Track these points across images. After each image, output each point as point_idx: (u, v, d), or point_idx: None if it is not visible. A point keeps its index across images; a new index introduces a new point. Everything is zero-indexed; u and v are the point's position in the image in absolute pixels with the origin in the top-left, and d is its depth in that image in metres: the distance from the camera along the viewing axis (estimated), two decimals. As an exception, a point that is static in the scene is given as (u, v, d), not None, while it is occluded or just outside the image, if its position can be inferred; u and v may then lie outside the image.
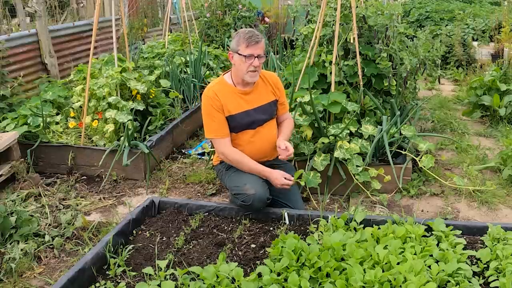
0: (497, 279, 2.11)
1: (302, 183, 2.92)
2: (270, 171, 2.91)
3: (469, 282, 2.10)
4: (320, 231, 2.57)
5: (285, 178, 2.87)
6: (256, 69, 2.87)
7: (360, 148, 3.47)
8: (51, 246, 2.92)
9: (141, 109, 4.22)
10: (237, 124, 2.95)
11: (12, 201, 3.35)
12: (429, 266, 2.17)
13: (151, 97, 4.52)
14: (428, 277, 2.07)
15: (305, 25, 4.28)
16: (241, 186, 2.85)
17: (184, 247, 2.58)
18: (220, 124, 2.92)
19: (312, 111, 3.49)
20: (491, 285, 2.11)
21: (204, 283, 2.10)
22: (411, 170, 3.66)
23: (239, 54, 2.83)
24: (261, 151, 3.07)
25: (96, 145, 4.00)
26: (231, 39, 3.05)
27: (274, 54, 6.11)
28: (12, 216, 2.99)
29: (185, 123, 4.73)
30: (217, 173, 3.24)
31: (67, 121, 4.29)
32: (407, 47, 4.12)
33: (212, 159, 3.94)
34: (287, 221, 2.81)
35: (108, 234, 2.58)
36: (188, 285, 2.12)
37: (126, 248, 2.54)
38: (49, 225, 3.12)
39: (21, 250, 2.79)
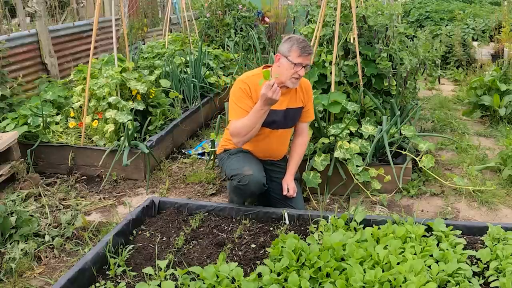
0: (497, 279, 2.12)
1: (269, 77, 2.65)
2: (260, 102, 2.71)
3: (469, 282, 2.10)
4: (320, 231, 2.57)
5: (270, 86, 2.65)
6: (299, 77, 2.88)
7: (360, 148, 3.47)
8: (51, 246, 2.91)
9: (141, 109, 4.22)
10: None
11: (12, 201, 3.34)
12: (429, 266, 2.17)
13: (151, 97, 4.52)
14: (428, 277, 2.07)
15: (305, 25, 4.28)
16: (240, 168, 2.86)
17: (184, 247, 2.58)
18: (246, 110, 2.86)
19: (312, 111, 3.50)
20: (491, 285, 2.11)
21: (204, 283, 2.10)
22: (411, 170, 3.66)
23: (289, 60, 2.82)
24: (270, 151, 3.10)
25: (96, 145, 4.00)
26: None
27: (274, 54, 6.09)
28: (12, 216, 2.98)
29: (185, 123, 4.73)
30: (219, 162, 3.22)
31: (67, 121, 4.29)
32: (407, 47, 4.12)
33: (212, 159, 3.95)
34: (287, 221, 2.81)
35: (108, 234, 2.58)
36: (188, 285, 2.12)
37: (126, 248, 2.53)
38: (49, 225, 3.12)
39: (21, 250, 2.78)
